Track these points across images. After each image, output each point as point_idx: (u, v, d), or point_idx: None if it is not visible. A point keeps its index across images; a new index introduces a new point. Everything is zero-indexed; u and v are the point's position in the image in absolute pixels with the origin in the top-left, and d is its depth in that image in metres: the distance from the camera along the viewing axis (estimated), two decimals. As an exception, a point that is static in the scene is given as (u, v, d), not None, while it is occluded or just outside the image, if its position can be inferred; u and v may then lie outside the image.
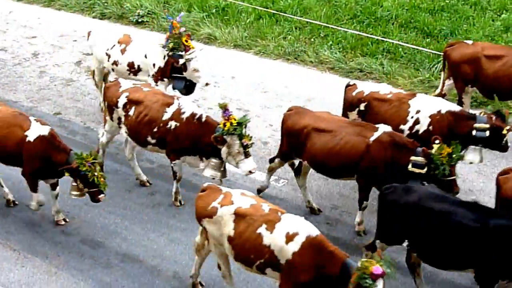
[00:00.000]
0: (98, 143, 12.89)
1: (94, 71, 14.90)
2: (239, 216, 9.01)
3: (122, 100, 12.04)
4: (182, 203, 12.13)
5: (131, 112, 11.98)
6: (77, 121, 14.94)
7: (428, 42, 17.02)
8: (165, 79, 13.75)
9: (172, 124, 11.62)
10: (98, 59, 14.53)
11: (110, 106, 12.28)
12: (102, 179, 10.74)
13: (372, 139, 10.71)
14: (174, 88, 13.84)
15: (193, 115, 11.60)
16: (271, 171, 12.13)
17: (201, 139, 11.49)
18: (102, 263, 10.73)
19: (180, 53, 13.25)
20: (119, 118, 12.21)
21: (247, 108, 15.14)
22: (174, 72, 13.56)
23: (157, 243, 11.18)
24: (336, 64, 16.73)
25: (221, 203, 9.22)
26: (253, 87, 16.18)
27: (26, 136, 11.13)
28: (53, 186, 11.57)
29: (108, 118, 12.47)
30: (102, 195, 10.81)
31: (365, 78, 16.07)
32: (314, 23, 18.13)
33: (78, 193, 10.94)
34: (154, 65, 13.69)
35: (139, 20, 19.77)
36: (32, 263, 10.79)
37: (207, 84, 13.74)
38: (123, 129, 12.22)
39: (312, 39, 17.90)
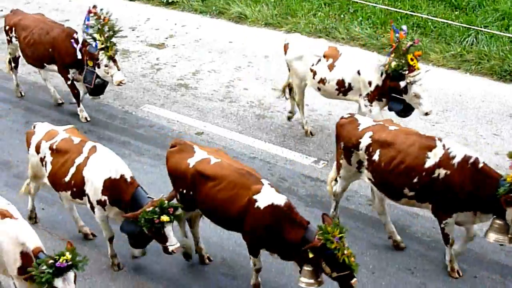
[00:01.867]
0: (330, 193, 10.84)
1: (289, 88, 13.38)
2: None
3: (365, 141, 9.86)
4: None
5: (376, 157, 9.75)
6: (115, 105, 14.82)
7: (457, 15, 16.73)
8: (383, 100, 11.93)
9: (441, 172, 9.33)
10: (300, 76, 12.76)
11: (348, 148, 10.10)
12: (352, 258, 8.35)
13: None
14: (390, 110, 11.94)
15: (466, 159, 9.24)
16: None
17: (480, 191, 9.15)
18: (151, 252, 10.57)
19: (402, 72, 11.44)
20: (359, 162, 10.08)
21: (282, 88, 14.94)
22: (393, 91, 11.75)
23: (203, 229, 11.06)
24: (367, 40, 16.49)
25: None
26: (287, 66, 15.95)
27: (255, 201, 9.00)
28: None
29: (343, 161, 10.32)
30: (355, 279, 8.44)
31: (397, 54, 15.81)
32: (343, -2, 17.88)
33: (313, 281, 8.76)
34: (370, 83, 11.86)
35: (170, 1, 19.60)
36: (81, 253, 10.46)
37: (426, 114, 11.62)
38: (365, 175, 10.11)
39: (342, 15, 17.67)
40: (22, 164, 12.38)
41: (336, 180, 10.60)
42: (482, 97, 14.27)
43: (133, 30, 18.28)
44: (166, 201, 9.13)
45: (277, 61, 15.98)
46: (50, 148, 10.28)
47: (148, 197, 9.49)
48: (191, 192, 9.57)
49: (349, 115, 10.46)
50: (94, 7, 12.97)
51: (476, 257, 10.12)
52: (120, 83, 13.08)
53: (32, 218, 11.27)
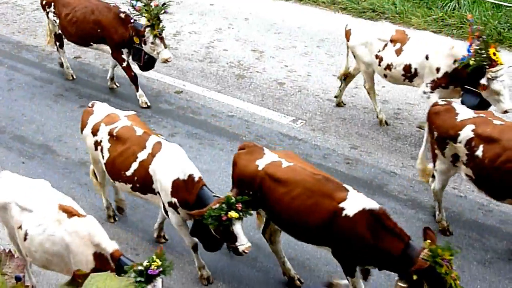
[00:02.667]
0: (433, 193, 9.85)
1: (345, 75, 12.42)
2: None
3: (465, 134, 8.89)
4: None
5: (479, 152, 8.77)
6: (96, 64, 14.58)
7: (439, -21, 16.56)
8: (450, 87, 10.86)
9: None
10: (366, 62, 11.73)
11: (442, 138, 9.18)
12: (458, 281, 7.31)
13: None
14: (462, 103, 10.26)
15: None
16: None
17: None
18: (127, 204, 10.40)
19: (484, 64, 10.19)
20: (455, 156, 9.16)
21: (261, 49, 14.79)
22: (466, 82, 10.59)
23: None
24: (348, 4, 16.30)
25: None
26: (267, 28, 15.77)
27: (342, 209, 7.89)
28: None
29: (438, 152, 9.35)
30: None
31: (378, 18, 15.66)
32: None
33: None
34: (438, 69, 10.78)
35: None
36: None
37: (506, 111, 10.32)
38: (463, 171, 9.18)
39: (324, -21, 17.44)
40: (4, 120, 12.19)
41: (433, 176, 9.75)
42: (463, 61, 14.11)
43: (114, -8, 17.96)
44: (233, 197, 8.18)
45: (257, 23, 15.80)
46: (110, 133, 9.33)
47: (214, 195, 8.57)
48: (258, 194, 8.48)
49: (445, 102, 9.52)
50: None
51: (453, 216, 10.02)
52: (166, 61, 12.30)
53: (111, 217, 10.23)
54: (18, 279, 2.07)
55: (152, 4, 12.15)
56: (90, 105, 9.96)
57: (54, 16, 13.48)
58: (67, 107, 13.00)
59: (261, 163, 8.48)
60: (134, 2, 12.28)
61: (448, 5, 15.52)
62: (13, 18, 16.66)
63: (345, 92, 12.62)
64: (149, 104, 12.89)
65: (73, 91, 13.56)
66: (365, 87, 12.11)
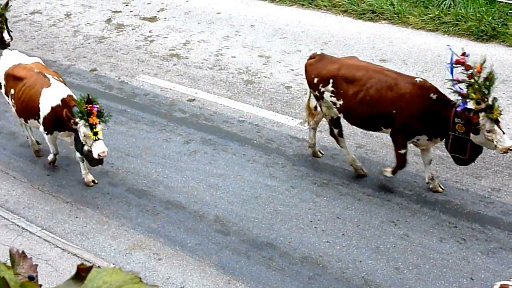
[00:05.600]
0: None
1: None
2: None
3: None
4: None
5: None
6: (112, 76, 14.71)
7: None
8: None
9: None
10: None
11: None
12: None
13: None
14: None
15: None
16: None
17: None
18: (148, 211, 10.62)
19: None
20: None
21: (268, 54, 14.87)
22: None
23: (197, 189, 11.05)
24: (349, 6, 16.34)
25: None
26: (272, 33, 15.86)
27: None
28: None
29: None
30: None
31: (378, 19, 15.73)
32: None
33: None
34: None
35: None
36: (84, 214, 10.68)
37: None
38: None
39: (324, -16, 17.50)
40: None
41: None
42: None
43: (126, 5, 18.10)
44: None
45: (263, 30, 15.88)
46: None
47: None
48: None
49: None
50: (464, 54, 9.31)
51: (456, 208, 10.11)
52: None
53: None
54: (31, 278, 2.16)
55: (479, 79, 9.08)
56: None
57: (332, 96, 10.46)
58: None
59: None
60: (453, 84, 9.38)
61: (444, 3, 15.55)
62: (31, 35, 16.81)
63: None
64: None
65: (92, 104, 13.68)
66: None
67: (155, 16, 17.43)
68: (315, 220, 10.05)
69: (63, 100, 10.50)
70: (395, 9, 15.81)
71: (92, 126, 9.77)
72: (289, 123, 12.37)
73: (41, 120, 10.82)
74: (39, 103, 10.74)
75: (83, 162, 10.84)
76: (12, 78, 11.21)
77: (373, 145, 11.61)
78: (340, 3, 16.56)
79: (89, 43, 16.13)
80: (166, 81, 14.04)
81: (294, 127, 12.28)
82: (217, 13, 17.15)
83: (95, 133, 9.80)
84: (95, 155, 9.89)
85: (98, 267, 2.14)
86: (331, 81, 10.23)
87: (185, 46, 15.62)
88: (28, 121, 11.28)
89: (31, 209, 10.81)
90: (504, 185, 10.47)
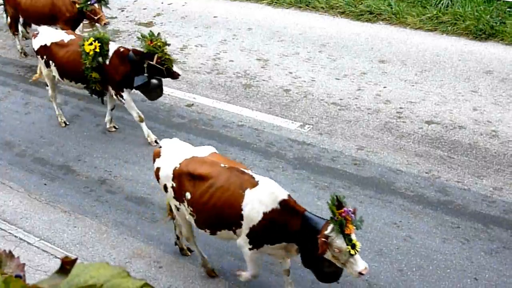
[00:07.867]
0: None
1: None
2: None
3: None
4: None
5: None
6: (108, 83, 14.68)
7: (431, -21, 16.59)
8: None
9: None
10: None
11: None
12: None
13: None
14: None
15: None
16: None
17: None
18: (147, 218, 10.59)
19: None
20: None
21: (266, 57, 14.86)
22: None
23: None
24: (346, 8, 16.34)
25: None
26: (270, 36, 15.86)
27: None
28: None
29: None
30: None
31: (376, 20, 15.72)
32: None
33: None
34: None
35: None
36: (83, 223, 10.64)
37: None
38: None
39: (320, -15, 17.51)
40: (24, 143, 12.36)
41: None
42: (459, 56, 14.16)
43: (122, 11, 18.11)
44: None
45: (261, 33, 15.86)
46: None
47: None
48: None
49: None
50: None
51: (458, 209, 10.08)
52: None
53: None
54: (18, 277, 2.12)
55: None
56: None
57: None
58: (84, 127, 13.11)
59: None
60: None
61: (442, 2, 15.55)
62: (25, 42, 16.77)
63: (348, 94, 12.72)
64: None
65: (88, 111, 13.67)
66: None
67: (151, 21, 17.43)
68: (317, 223, 10.00)
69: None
70: (393, 9, 15.81)
71: (348, 237, 7.36)
72: (288, 126, 12.34)
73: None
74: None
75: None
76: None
77: (373, 147, 11.58)
78: (337, 5, 16.57)
79: (85, 50, 16.08)
80: (164, 87, 13.97)
81: (294, 130, 12.25)
82: (214, 17, 17.16)
83: (353, 246, 7.32)
84: (355, 274, 7.36)
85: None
86: None
87: (183, 51, 15.61)
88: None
89: (28, 219, 10.75)
90: (506, 184, 10.45)
